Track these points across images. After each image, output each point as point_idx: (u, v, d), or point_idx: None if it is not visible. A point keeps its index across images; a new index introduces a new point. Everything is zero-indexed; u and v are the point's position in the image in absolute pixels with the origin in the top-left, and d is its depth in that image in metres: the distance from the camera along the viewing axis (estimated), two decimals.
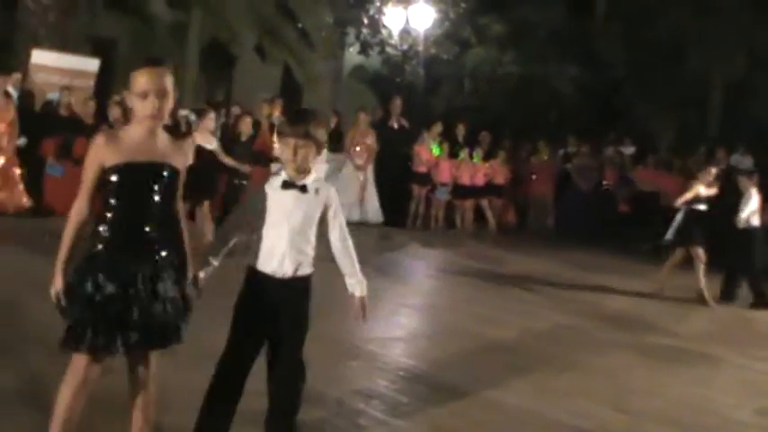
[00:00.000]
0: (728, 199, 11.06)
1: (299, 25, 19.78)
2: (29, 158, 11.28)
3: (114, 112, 11.47)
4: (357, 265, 3.88)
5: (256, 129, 11.92)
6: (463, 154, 15.58)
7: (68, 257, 3.35)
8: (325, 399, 4.95)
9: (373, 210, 14.44)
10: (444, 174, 15.19)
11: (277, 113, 13.37)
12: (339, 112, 16.59)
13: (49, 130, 11.59)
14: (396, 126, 15.13)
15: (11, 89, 11.62)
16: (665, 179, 15.74)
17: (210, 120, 9.59)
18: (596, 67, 21.44)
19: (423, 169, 15.02)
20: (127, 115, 9.46)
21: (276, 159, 10.96)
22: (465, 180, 15.46)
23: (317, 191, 3.79)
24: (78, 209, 3.36)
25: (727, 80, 21.29)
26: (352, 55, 22.96)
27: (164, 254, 3.41)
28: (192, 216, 9.16)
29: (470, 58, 22.41)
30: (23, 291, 6.21)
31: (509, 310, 8.75)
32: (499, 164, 16.14)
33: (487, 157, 16.00)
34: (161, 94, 3.31)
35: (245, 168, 10.47)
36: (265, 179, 3.92)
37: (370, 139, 14.46)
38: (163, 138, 3.43)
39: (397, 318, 7.82)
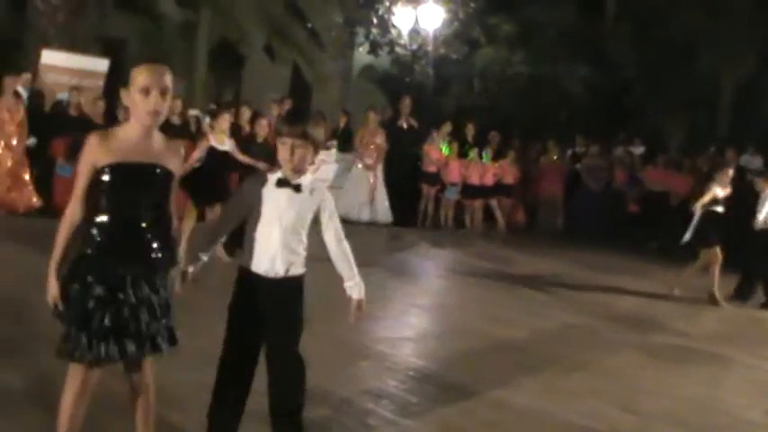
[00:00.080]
0: (746, 201, 10.96)
1: (309, 25, 19.83)
2: (39, 158, 11.33)
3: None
4: (355, 268, 3.86)
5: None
6: (472, 154, 15.57)
7: (62, 259, 3.31)
8: (334, 398, 4.95)
9: (383, 209, 14.44)
10: (454, 173, 15.18)
11: None
12: (348, 111, 16.61)
13: (59, 131, 11.58)
14: (405, 126, 15.12)
15: (21, 89, 11.66)
16: (674, 179, 15.70)
17: (225, 120, 9.58)
18: (606, 67, 21.41)
19: (432, 169, 15.02)
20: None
21: None
22: (474, 180, 15.44)
23: (311, 192, 3.76)
24: (72, 210, 3.32)
25: (738, 80, 21.23)
26: (362, 55, 22.95)
27: (155, 256, 3.35)
28: (202, 217, 9.19)
29: (480, 58, 22.39)
30: (33, 290, 6.14)
31: (518, 309, 8.73)
32: (508, 164, 16.12)
33: (497, 156, 16.00)
34: (163, 91, 3.27)
35: (262, 166, 10.48)
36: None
37: (380, 139, 14.46)
38: (158, 139, 3.39)
39: (407, 318, 7.82)
